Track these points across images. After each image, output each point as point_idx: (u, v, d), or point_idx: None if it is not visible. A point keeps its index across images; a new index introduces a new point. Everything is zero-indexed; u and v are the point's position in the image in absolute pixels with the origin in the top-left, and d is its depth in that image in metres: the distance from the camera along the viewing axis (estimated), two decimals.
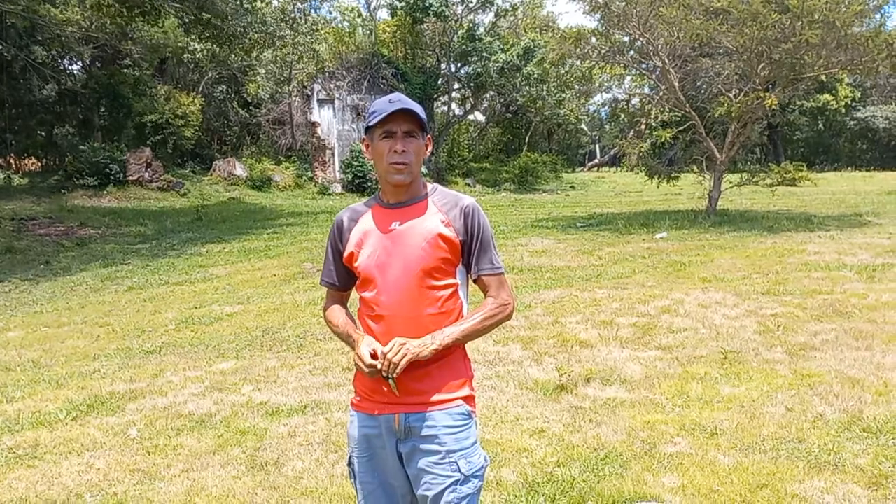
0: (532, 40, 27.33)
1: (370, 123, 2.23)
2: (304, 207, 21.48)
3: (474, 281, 2.32)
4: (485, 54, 27.68)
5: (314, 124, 27.44)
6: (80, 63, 26.61)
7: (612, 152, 46.85)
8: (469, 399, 2.28)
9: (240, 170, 26.09)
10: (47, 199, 19.71)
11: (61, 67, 26.95)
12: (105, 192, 20.74)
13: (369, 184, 26.05)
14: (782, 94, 12.93)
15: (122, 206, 19.73)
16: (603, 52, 13.82)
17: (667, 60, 13.36)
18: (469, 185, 29.75)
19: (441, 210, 2.26)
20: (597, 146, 58.57)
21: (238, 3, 16.50)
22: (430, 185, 2.35)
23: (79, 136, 23.35)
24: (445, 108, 32.74)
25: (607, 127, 56.97)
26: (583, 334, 6.50)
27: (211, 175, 25.69)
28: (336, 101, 27.10)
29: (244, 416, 5.04)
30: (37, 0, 19.72)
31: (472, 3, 28.76)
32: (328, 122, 27.34)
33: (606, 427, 4.50)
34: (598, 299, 7.74)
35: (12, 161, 26.90)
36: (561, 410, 4.84)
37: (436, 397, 2.22)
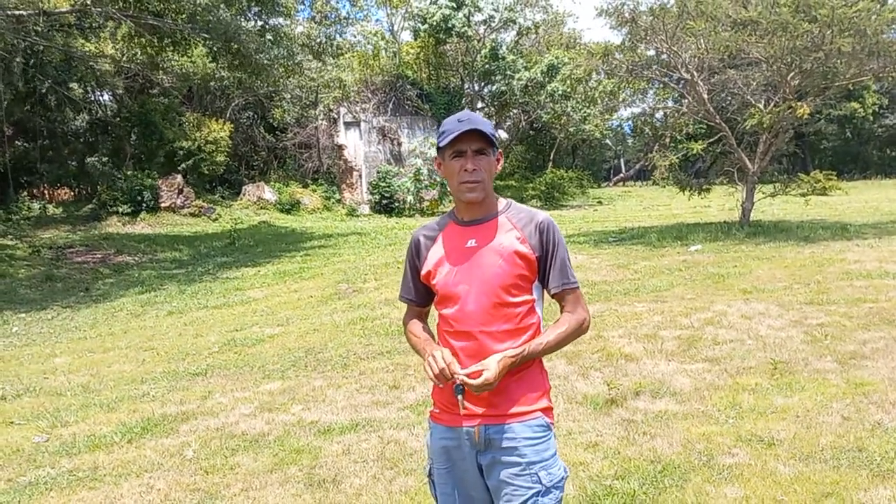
0: (556, 57, 27.46)
1: (441, 144, 2.28)
2: (334, 229, 21.66)
3: (551, 296, 2.35)
4: (508, 72, 27.87)
5: (341, 147, 27.73)
6: (111, 93, 27.20)
7: (637, 166, 46.68)
8: (547, 411, 2.31)
9: (269, 194, 26.42)
10: (82, 227, 20.10)
11: (93, 98, 27.59)
12: (138, 219, 21.11)
13: (396, 204, 26.24)
14: (813, 103, 12.83)
15: (156, 233, 20.04)
16: (630, 66, 13.84)
17: (695, 73, 13.34)
18: None
19: (516, 227, 2.30)
20: (621, 161, 58.41)
21: (263, 39, 16.76)
22: (503, 202, 2.39)
23: (111, 165, 23.81)
24: None
25: (630, 141, 56.87)
26: (627, 348, 6.48)
27: (241, 200, 26.05)
28: (362, 124, 27.38)
29: (297, 435, 5.09)
30: (72, 35, 20.27)
31: (494, 22, 29.00)
32: (355, 144, 27.61)
33: (661, 440, 4.48)
34: (638, 313, 7.71)
35: (46, 191, 27.46)
36: (613, 424, 4.83)
37: (515, 409, 2.25)
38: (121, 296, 12.45)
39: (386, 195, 26.24)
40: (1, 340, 9.91)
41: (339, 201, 27.77)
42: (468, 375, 2.17)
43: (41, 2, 15.95)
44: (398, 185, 26.19)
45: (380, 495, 4.06)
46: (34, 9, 15.07)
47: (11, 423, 5.99)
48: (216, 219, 22.69)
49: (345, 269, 13.24)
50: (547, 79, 27.64)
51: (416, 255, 2.44)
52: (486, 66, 28.87)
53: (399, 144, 27.68)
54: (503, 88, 28.44)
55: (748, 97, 14.04)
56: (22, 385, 7.16)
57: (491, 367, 2.15)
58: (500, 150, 2.37)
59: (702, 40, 12.98)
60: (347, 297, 10.60)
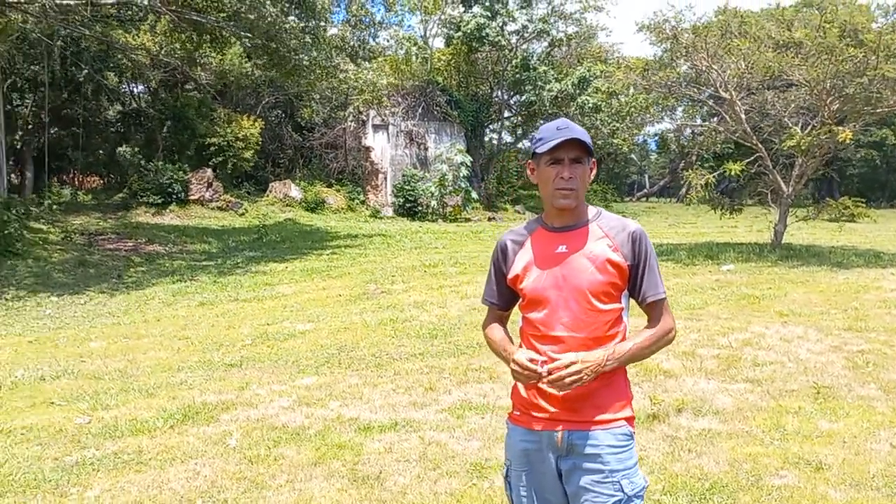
0: (588, 69, 27.44)
1: (538, 150, 2.29)
2: (359, 230, 21.74)
3: (640, 306, 2.36)
4: (539, 83, 27.86)
5: (368, 149, 27.85)
6: (146, 85, 27.49)
7: (661, 182, 46.49)
8: (630, 420, 2.32)
9: (295, 192, 26.56)
10: (112, 215, 20.31)
11: (127, 89, 27.91)
12: (168, 210, 21.30)
13: (420, 208, 26.30)
14: (854, 128, 12.73)
15: (185, 224, 20.21)
16: (669, 83, 13.81)
17: (734, 93, 13.28)
18: (518, 212, 29.81)
19: (608, 235, 2.30)
20: (645, 176, 58.19)
21: (302, 40, 16.89)
22: (594, 210, 2.40)
23: (141, 156, 24.06)
24: (496, 135, 32.96)
25: (654, 157, 56.70)
26: (665, 364, 6.45)
27: (267, 196, 26.21)
28: (390, 127, 27.49)
29: (338, 431, 5.11)
30: (111, 25, 20.52)
31: (527, 33, 29.04)
32: (382, 147, 27.73)
33: (707, 458, 4.46)
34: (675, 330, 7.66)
35: (76, 178, 27.80)
36: (656, 439, 4.81)
37: (600, 416, 2.26)
38: (153, 284, 12.57)
39: (410, 199, 26.31)
40: (35, 322, 10.04)
41: (363, 202, 27.87)
42: (560, 366, 2.16)
43: None
44: (422, 190, 26.25)
45: (425, 495, 4.07)
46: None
47: (52, 403, 6.07)
48: (243, 214, 22.86)
49: (372, 270, 13.29)
50: (577, 91, 27.62)
51: (502, 259, 2.45)
52: (517, 75, 28.89)
53: (426, 149, 27.76)
54: (532, 98, 28.43)
55: (785, 119, 13.96)
56: (60, 367, 7.24)
57: (589, 359, 2.16)
58: (593, 159, 2.38)
59: (742, 61, 12.93)
60: (376, 298, 10.64)
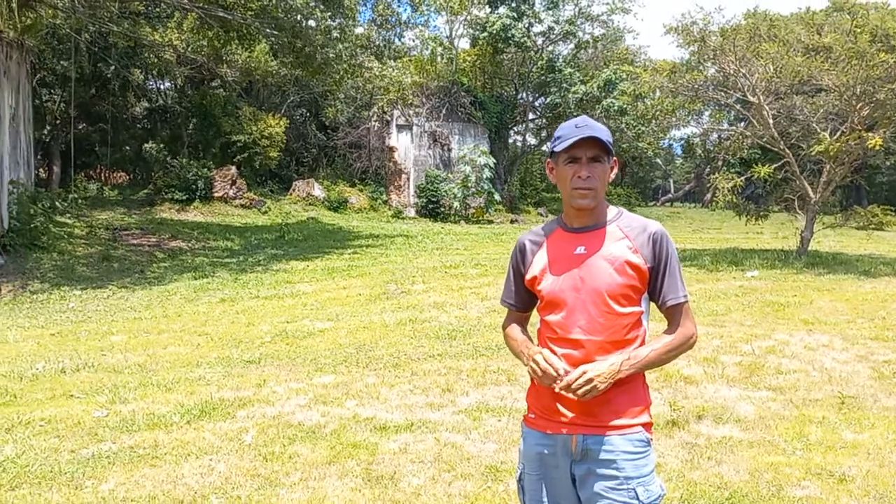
0: (614, 72, 27.25)
1: (555, 148, 2.25)
2: (381, 230, 21.76)
3: (660, 309, 2.30)
4: (564, 85, 27.74)
5: (392, 149, 27.90)
6: (171, 83, 27.78)
7: (686, 187, 46.04)
8: (648, 426, 2.26)
9: (318, 191, 26.69)
10: (137, 211, 20.52)
11: (154, 86, 28.23)
12: (191, 206, 21.49)
13: (442, 209, 26.30)
14: (885, 134, 12.48)
15: (209, 221, 20.37)
16: (696, 86, 13.64)
17: (761, 97, 13.08)
18: (541, 214, 29.69)
19: (628, 236, 2.25)
20: (669, 181, 57.68)
21: (328, 35, 16.96)
22: (614, 210, 2.34)
23: (167, 152, 24.30)
24: (520, 137, 32.85)
25: (679, 161, 56.20)
26: (686, 370, 6.35)
27: (290, 195, 26.36)
28: (414, 127, 27.52)
29: (353, 430, 5.09)
30: (139, 22, 20.76)
31: (553, 34, 28.91)
32: (405, 147, 27.76)
33: (727, 466, 4.37)
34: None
35: (103, 174, 28.15)
36: (675, 446, 4.73)
37: (616, 422, 2.20)
38: (175, 280, 12.67)
39: (433, 199, 26.31)
40: (59, 315, 10.15)
41: (385, 202, 27.93)
42: (573, 379, 2.14)
43: None
44: (445, 191, 26.24)
45: (439, 497, 4.04)
46: None
47: (71, 395, 6.11)
48: (266, 212, 22.99)
49: (392, 270, 13.28)
50: (603, 93, 27.43)
51: (520, 259, 2.40)
52: (542, 77, 28.78)
53: (449, 150, 27.75)
54: (557, 101, 28.31)
55: (813, 124, 13.73)
56: (80, 360, 7.30)
57: (601, 370, 2.12)
58: (615, 157, 2.32)
59: (770, 65, 12.74)
60: (396, 298, 10.62)
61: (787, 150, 13.23)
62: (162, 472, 4.41)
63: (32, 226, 13.45)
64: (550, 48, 30.19)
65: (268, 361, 7.22)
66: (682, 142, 43.64)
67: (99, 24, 17.10)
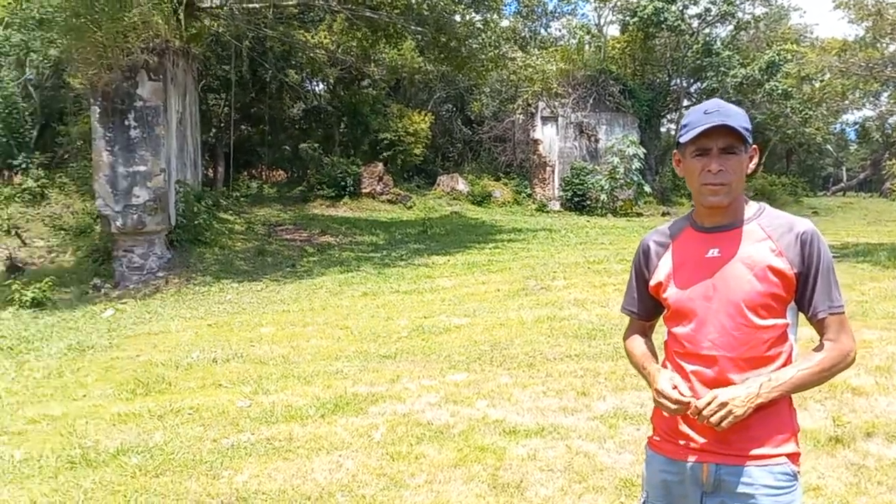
0: (778, 53, 25.36)
1: (682, 139, 1.97)
2: (524, 224, 21.55)
3: (810, 321, 1.96)
4: (721, 69, 26.20)
5: (536, 142, 27.58)
6: (324, 83, 29.00)
7: (861, 175, 42.16)
8: (794, 457, 1.93)
9: (462, 185, 26.88)
10: (292, 207, 21.58)
11: (308, 88, 29.58)
12: (341, 202, 22.31)
13: (588, 202, 25.68)
14: None
15: (356, 216, 21.06)
16: (871, 65, 12.32)
17: None
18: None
19: (770, 236, 1.93)
20: (842, 169, 53.04)
21: (472, 26, 16.96)
22: (754, 206, 2.02)
23: (321, 151, 25.37)
24: (673, 125, 31.44)
25: (853, 148, 51.65)
26: (854, 380, 5.68)
27: (435, 189, 26.74)
28: (560, 119, 27.03)
29: (481, 432, 4.96)
30: (292, 26, 21.78)
31: (710, 16, 27.36)
32: (550, 139, 27.34)
33: None
34: (867, 340, 6.77)
35: (263, 172, 29.90)
36: (838, 466, 4.21)
37: (756, 451, 1.90)
38: (322, 274, 13.14)
39: (579, 192, 25.74)
40: (216, 306, 10.79)
41: (529, 196, 27.67)
42: (705, 405, 1.86)
43: None
44: (592, 183, 25.57)
45: None
46: (267, 2, 16.30)
47: (220, 385, 6.42)
48: (411, 206, 23.45)
49: (533, 265, 13.05)
50: (765, 76, 25.60)
51: (644, 263, 2.14)
52: (698, 61, 27.36)
53: (596, 141, 27.02)
54: (714, 85, 26.77)
55: None
56: (231, 350, 7.68)
57: (735, 394, 1.83)
58: (753, 146, 2.00)
59: None
60: (535, 294, 10.39)
61: None
62: (293, 466, 4.49)
63: (196, 222, 14.45)
64: (707, 30, 28.62)
65: (403, 357, 7.25)
66: (857, 126, 40.07)
67: (256, 29, 18.09)
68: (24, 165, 18.06)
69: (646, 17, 25.99)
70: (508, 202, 27.00)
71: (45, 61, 19.18)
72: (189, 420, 5.41)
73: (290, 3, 17.87)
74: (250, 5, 15.91)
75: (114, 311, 10.67)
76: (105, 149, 12.71)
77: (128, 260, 13.01)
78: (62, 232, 15.66)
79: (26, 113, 19.19)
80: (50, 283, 11.48)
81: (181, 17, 13.90)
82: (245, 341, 8.17)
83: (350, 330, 8.58)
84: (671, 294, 2.02)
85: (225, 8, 15.44)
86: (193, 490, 4.17)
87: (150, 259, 13.13)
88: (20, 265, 13.49)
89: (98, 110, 12.65)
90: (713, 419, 1.83)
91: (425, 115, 26.59)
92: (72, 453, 4.79)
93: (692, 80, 29.74)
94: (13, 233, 15.26)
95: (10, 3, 16.73)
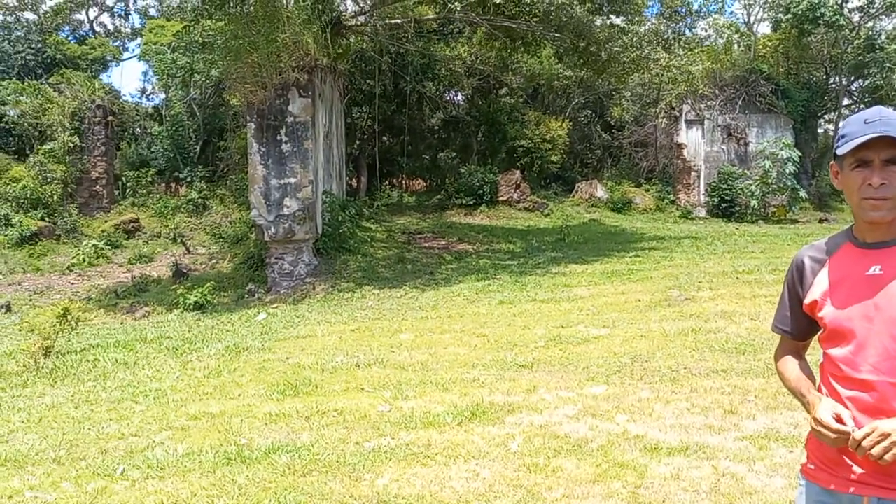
0: None
1: (839, 150, 1.83)
2: (666, 231, 20.82)
3: None
4: (887, 65, 24.16)
5: (680, 146, 26.61)
6: (462, 94, 29.49)
7: None
8: None
9: (601, 192, 26.39)
10: (430, 215, 22.06)
11: (447, 98, 30.17)
12: (478, 210, 22.54)
13: (737, 208, 24.42)
14: None
15: (493, 224, 21.19)
16: None
17: None
18: None
19: None
20: None
21: (614, 28, 16.65)
22: None
23: (459, 160, 25.79)
24: (832, 126, 29.33)
25: None
26: None
27: (573, 196, 26.43)
28: (706, 122, 25.93)
29: (621, 448, 4.82)
30: (431, 40, 22.30)
31: (873, 8, 25.31)
32: (695, 143, 26.29)
33: None
34: None
35: (403, 182, 30.78)
36: None
37: None
38: (459, 281, 13.32)
39: (726, 198, 24.54)
40: (359, 312, 11.21)
41: (672, 202, 26.72)
42: (864, 436, 1.71)
43: (412, 11, 17.79)
44: (741, 188, 24.30)
45: None
46: (408, 18, 16.80)
47: (362, 389, 6.65)
48: (548, 214, 23.29)
49: (676, 275, 12.56)
50: None
51: (798, 279, 2.00)
52: (859, 57, 25.36)
53: (746, 144, 25.67)
54: (879, 83, 24.72)
55: None
56: (372, 355, 7.94)
57: None
58: None
59: None
60: (678, 305, 9.99)
61: None
62: (431, 472, 4.56)
63: (341, 231, 15.11)
64: (870, 24, 26.49)
65: (540, 367, 7.19)
66: None
67: (398, 44, 18.67)
68: (188, 178, 19.63)
69: (800, 13, 24.39)
70: (650, 209, 26.21)
71: (207, 81, 20.80)
72: (333, 422, 5.64)
73: (431, 17, 18.29)
74: (392, 21, 16.44)
75: (266, 315, 11.34)
76: (260, 162, 13.57)
77: (279, 267, 13.80)
78: (221, 240, 16.89)
79: (191, 129, 20.88)
80: (210, 288, 12.40)
81: (329, 36, 14.59)
82: (385, 347, 8.42)
83: (487, 338, 8.63)
84: (828, 313, 1.88)
85: (369, 25, 16.04)
86: (337, 491, 4.34)
87: (299, 266, 13.85)
88: (185, 271, 14.68)
89: (253, 126, 13.54)
90: (874, 452, 1.68)
91: (563, 121, 26.35)
92: (228, 450, 5.12)
93: (853, 78, 27.59)
94: (179, 241, 16.62)
95: (179, 31, 18.25)
